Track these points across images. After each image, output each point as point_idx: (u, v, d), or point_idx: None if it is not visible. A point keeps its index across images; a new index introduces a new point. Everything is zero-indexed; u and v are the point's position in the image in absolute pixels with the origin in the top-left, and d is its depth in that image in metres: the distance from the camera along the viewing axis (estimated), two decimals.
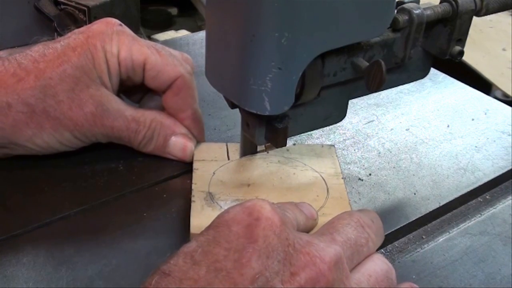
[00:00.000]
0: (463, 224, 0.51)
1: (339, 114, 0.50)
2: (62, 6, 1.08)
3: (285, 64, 0.40)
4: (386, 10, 0.43)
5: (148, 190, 0.52)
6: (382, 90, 0.48)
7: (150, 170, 0.54)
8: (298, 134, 0.49)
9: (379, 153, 0.59)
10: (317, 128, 0.49)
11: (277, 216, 0.37)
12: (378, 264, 0.41)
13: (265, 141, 0.46)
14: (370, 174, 0.55)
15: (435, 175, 0.56)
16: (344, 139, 0.60)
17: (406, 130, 0.63)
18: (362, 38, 0.44)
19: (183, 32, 1.75)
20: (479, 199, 0.55)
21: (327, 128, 0.60)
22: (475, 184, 0.55)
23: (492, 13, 0.50)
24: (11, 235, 0.46)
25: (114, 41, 0.52)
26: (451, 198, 0.53)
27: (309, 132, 0.59)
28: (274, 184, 0.51)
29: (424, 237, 0.50)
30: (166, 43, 0.84)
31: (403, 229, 0.50)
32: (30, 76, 0.49)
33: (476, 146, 0.61)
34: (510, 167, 0.58)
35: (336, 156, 0.55)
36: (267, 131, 0.45)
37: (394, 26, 0.46)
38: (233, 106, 0.46)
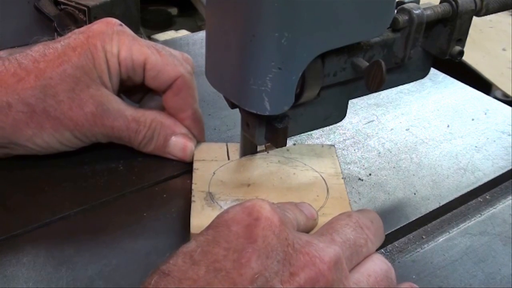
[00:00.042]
0: (463, 224, 0.51)
1: (339, 114, 0.50)
2: (62, 6, 1.08)
3: (285, 64, 0.40)
4: (386, 10, 0.43)
5: (148, 190, 0.52)
6: (382, 90, 0.48)
7: (150, 170, 0.54)
8: (298, 134, 0.49)
9: (379, 153, 0.59)
10: (317, 128, 0.49)
11: (277, 216, 0.37)
12: (377, 264, 0.41)
13: (265, 141, 0.46)
14: (370, 174, 0.55)
15: (435, 175, 0.56)
16: (344, 139, 0.60)
17: (406, 130, 0.63)
18: (362, 38, 0.44)
19: (183, 32, 1.75)
20: (479, 199, 0.55)
21: (327, 128, 0.60)
22: (475, 184, 0.55)
23: (492, 13, 0.50)
24: (11, 235, 0.46)
25: (115, 41, 0.52)
26: (451, 198, 0.53)
27: (309, 132, 0.59)
28: (274, 184, 0.51)
29: (424, 237, 0.50)
30: (166, 43, 0.84)
31: (403, 229, 0.50)
32: (31, 76, 0.49)
33: (476, 146, 0.61)
34: (510, 167, 0.58)
35: (336, 156, 0.55)
36: (267, 131, 0.45)
37: (394, 26, 0.46)
38: (233, 106, 0.46)
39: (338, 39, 0.42)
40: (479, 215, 0.53)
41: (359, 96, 0.50)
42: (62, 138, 0.51)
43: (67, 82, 0.49)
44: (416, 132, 0.62)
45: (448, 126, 0.64)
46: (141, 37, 0.55)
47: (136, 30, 0.55)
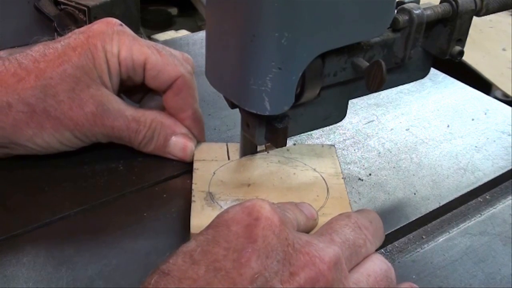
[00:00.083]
0: (463, 224, 0.51)
1: (339, 114, 0.50)
2: (62, 6, 1.08)
3: (285, 64, 0.40)
4: (386, 10, 0.43)
5: (148, 190, 0.52)
6: (382, 90, 0.48)
7: (150, 170, 0.54)
8: (298, 134, 0.49)
9: (379, 153, 0.59)
10: (317, 128, 0.49)
11: (277, 216, 0.37)
12: (377, 264, 0.41)
13: (265, 141, 0.46)
14: (370, 174, 0.55)
15: (435, 175, 0.56)
16: (344, 139, 0.60)
17: (406, 130, 0.63)
18: (362, 38, 0.44)
19: (183, 32, 1.75)
20: (479, 199, 0.55)
21: (327, 128, 0.60)
22: (475, 184, 0.55)
23: (492, 13, 0.50)
24: (11, 235, 0.46)
25: (115, 41, 0.52)
26: (451, 198, 0.53)
27: (309, 132, 0.59)
28: (274, 184, 0.51)
29: (424, 237, 0.50)
30: (166, 43, 0.84)
31: (403, 229, 0.50)
32: (31, 76, 0.49)
33: (476, 146, 0.61)
34: (510, 167, 0.58)
35: (337, 156, 0.55)
36: (267, 131, 0.45)
37: (394, 26, 0.46)
38: (233, 106, 0.46)
39: (338, 39, 0.42)
40: (479, 215, 0.53)
41: (359, 96, 0.50)
42: (62, 138, 0.51)
43: (67, 82, 0.49)
44: (416, 132, 0.63)
45: (448, 126, 0.64)
46: (141, 37, 0.55)
47: (136, 30, 0.55)
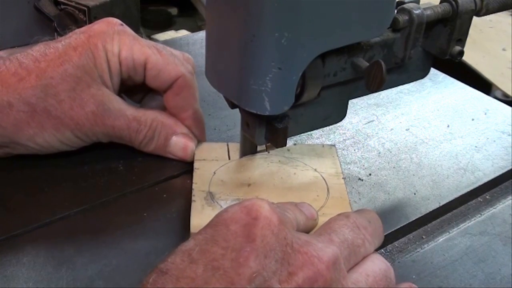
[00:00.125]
0: (463, 224, 0.51)
1: (339, 114, 0.50)
2: (62, 6, 1.08)
3: (285, 64, 0.40)
4: (386, 10, 0.43)
5: (148, 190, 0.52)
6: (382, 90, 0.48)
7: (150, 170, 0.54)
8: (298, 134, 0.49)
9: (379, 153, 0.59)
10: (317, 128, 0.49)
11: (276, 216, 0.37)
12: (376, 264, 0.41)
13: (265, 141, 0.46)
14: (370, 174, 0.55)
15: (435, 175, 0.56)
16: (344, 139, 0.60)
17: (406, 130, 0.63)
18: (362, 38, 0.44)
19: (183, 32, 1.75)
20: (479, 199, 0.55)
21: (327, 128, 0.60)
22: (475, 184, 0.55)
23: (492, 13, 0.50)
24: (11, 235, 0.46)
25: (115, 41, 0.52)
26: (451, 198, 0.53)
27: (309, 132, 0.59)
28: (274, 184, 0.51)
29: (424, 237, 0.50)
30: (166, 43, 0.84)
31: (403, 229, 0.50)
32: (31, 75, 0.49)
33: (476, 146, 0.61)
34: (510, 167, 0.58)
35: (337, 156, 0.55)
36: (267, 131, 0.45)
37: (394, 26, 0.46)
38: (233, 106, 0.46)
39: (338, 39, 0.42)
40: (479, 215, 0.53)
41: (359, 96, 0.50)
42: (63, 138, 0.51)
43: (68, 81, 0.50)
44: (416, 132, 0.63)
45: (448, 126, 0.64)
46: (141, 37, 0.55)
47: (136, 30, 0.55)
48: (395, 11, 0.46)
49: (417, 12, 0.46)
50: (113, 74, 0.52)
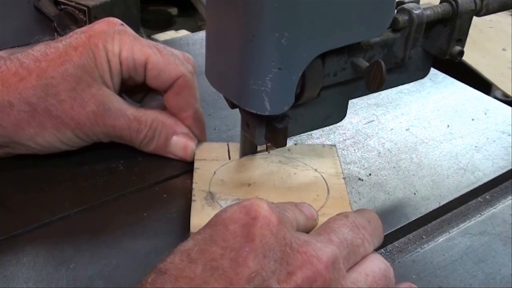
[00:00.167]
0: (463, 224, 0.51)
1: (339, 114, 0.50)
2: (62, 6, 1.08)
3: (285, 64, 0.40)
4: (386, 10, 0.43)
5: (148, 190, 0.52)
6: (382, 90, 0.48)
7: (150, 170, 0.54)
8: (298, 134, 0.49)
9: (379, 153, 0.59)
10: (317, 128, 0.49)
11: (275, 215, 0.37)
12: (375, 264, 0.41)
13: (265, 141, 0.46)
14: (370, 174, 0.55)
15: (435, 175, 0.56)
16: (344, 139, 0.61)
17: (406, 130, 0.63)
18: (362, 38, 0.44)
19: (183, 32, 1.75)
20: (479, 199, 0.55)
21: (327, 128, 0.60)
22: (475, 184, 0.55)
23: (492, 13, 0.50)
24: (11, 235, 0.46)
25: (116, 41, 0.52)
26: (451, 198, 0.53)
27: (309, 132, 0.59)
28: (275, 183, 0.51)
29: (424, 237, 0.50)
30: (166, 43, 0.84)
31: (403, 229, 0.50)
32: (32, 75, 0.49)
33: (476, 146, 0.61)
34: (510, 167, 0.58)
35: (338, 156, 0.55)
36: (267, 131, 0.45)
37: (394, 26, 0.46)
38: (233, 106, 0.46)
39: (338, 39, 0.42)
40: (479, 215, 0.53)
41: (359, 96, 0.50)
42: (64, 137, 0.51)
43: (69, 81, 0.50)
44: (416, 132, 0.63)
45: (448, 126, 0.64)
46: (142, 37, 0.55)
47: (136, 30, 0.55)
48: (395, 11, 0.46)
49: (417, 12, 0.46)
50: (114, 74, 0.52)
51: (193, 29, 1.83)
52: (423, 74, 0.53)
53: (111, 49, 0.51)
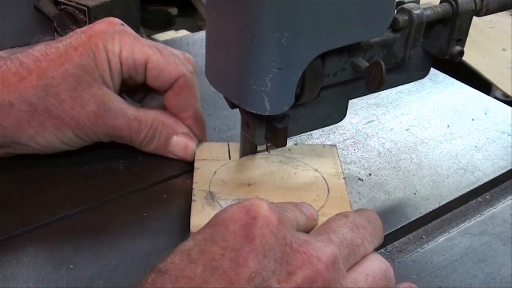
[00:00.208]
0: (463, 224, 0.51)
1: (339, 114, 0.50)
2: (62, 6, 1.08)
3: (285, 64, 0.40)
4: (386, 10, 0.44)
5: (149, 190, 0.52)
6: (382, 90, 0.48)
7: (150, 170, 0.54)
8: (298, 134, 0.49)
9: (379, 153, 0.59)
10: (317, 128, 0.49)
11: (275, 215, 0.37)
12: (375, 264, 0.41)
13: (265, 141, 0.46)
14: (370, 174, 0.55)
15: (435, 175, 0.56)
16: (344, 139, 0.61)
17: (406, 130, 0.63)
18: (362, 38, 0.44)
19: (183, 32, 1.75)
20: (479, 199, 0.55)
21: (327, 128, 0.60)
22: (475, 184, 0.55)
23: (492, 13, 0.50)
24: (11, 235, 0.46)
25: (116, 41, 0.52)
26: (451, 198, 0.53)
27: (309, 132, 0.59)
28: (275, 183, 0.51)
29: (424, 237, 0.50)
30: (166, 43, 0.84)
31: (403, 229, 0.50)
32: (32, 75, 0.49)
33: (476, 146, 0.61)
34: (510, 167, 0.58)
35: (338, 156, 0.55)
36: (267, 131, 0.45)
37: (394, 26, 0.46)
38: (233, 106, 0.46)
39: (338, 39, 0.42)
40: (479, 215, 0.53)
41: (359, 96, 0.50)
42: (64, 137, 0.51)
43: (69, 81, 0.50)
44: (416, 132, 0.63)
45: (448, 126, 0.64)
46: (142, 37, 0.55)
47: (136, 30, 0.55)
48: (395, 11, 0.46)
49: (417, 12, 0.46)
50: (114, 74, 0.52)
51: (193, 29, 1.83)
52: (423, 74, 0.53)
53: (111, 49, 0.51)
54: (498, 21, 1.57)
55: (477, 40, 1.49)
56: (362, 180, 0.55)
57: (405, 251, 0.48)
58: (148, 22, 1.89)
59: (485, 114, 0.66)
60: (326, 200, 0.50)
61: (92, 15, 1.04)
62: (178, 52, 0.56)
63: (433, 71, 0.62)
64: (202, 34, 0.82)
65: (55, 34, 1.05)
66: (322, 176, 0.53)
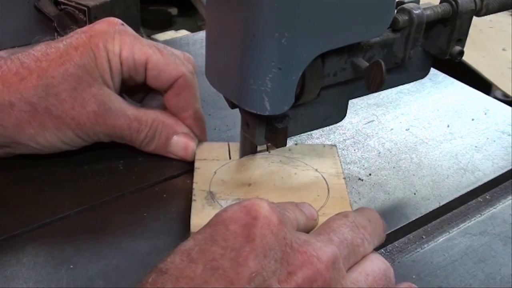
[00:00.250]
0: (463, 224, 0.51)
1: (339, 114, 0.50)
2: (62, 6, 1.08)
3: (285, 64, 0.40)
4: (386, 10, 0.43)
5: (149, 190, 0.52)
6: (382, 90, 0.48)
7: (150, 170, 0.54)
8: (298, 134, 0.49)
9: (379, 153, 0.59)
10: (317, 128, 0.49)
11: (275, 215, 0.37)
12: (375, 264, 0.41)
13: (265, 141, 0.46)
14: (370, 174, 0.55)
15: (435, 175, 0.56)
16: (344, 139, 0.61)
17: (406, 130, 0.63)
18: (362, 38, 0.44)
19: (183, 32, 1.75)
20: (479, 199, 0.55)
21: (327, 128, 0.60)
22: (475, 184, 0.55)
23: (492, 13, 0.50)
24: (11, 235, 0.46)
25: (116, 41, 0.52)
26: (451, 198, 0.53)
27: (309, 132, 0.59)
28: (275, 183, 0.52)
29: (424, 237, 0.50)
30: (166, 43, 0.84)
31: (403, 229, 0.50)
32: (33, 75, 0.49)
33: (476, 146, 0.61)
34: (510, 167, 0.58)
35: (338, 156, 0.55)
36: (267, 131, 0.45)
37: (394, 26, 0.46)
38: (233, 106, 0.46)
39: (338, 39, 0.42)
40: (479, 215, 0.53)
41: (359, 96, 0.50)
42: (64, 137, 0.51)
43: (69, 81, 0.50)
44: (416, 132, 0.63)
45: (448, 126, 0.64)
46: (142, 37, 0.55)
47: (136, 30, 0.55)
48: (395, 11, 0.46)
49: (417, 12, 0.46)
50: (114, 74, 0.52)
51: (193, 29, 1.83)
52: (423, 74, 0.53)
53: (111, 49, 0.51)
54: (498, 21, 1.57)
55: (477, 40, 1.49)
56: (362, 180, 0.55)
57: (405, 251, 0.48)
58: (148, 22, 1.89)
59: (485, 114, 0.66)
60: (326, 200, 0.50)
61: (92, 15, 1.04)
62: (178, 52, 0.56)
63: (433, 71, 0.62)
64: (202, 34, 0.82)
65: (55, 34, 1.05)
66: (322, 176, 0.53)
